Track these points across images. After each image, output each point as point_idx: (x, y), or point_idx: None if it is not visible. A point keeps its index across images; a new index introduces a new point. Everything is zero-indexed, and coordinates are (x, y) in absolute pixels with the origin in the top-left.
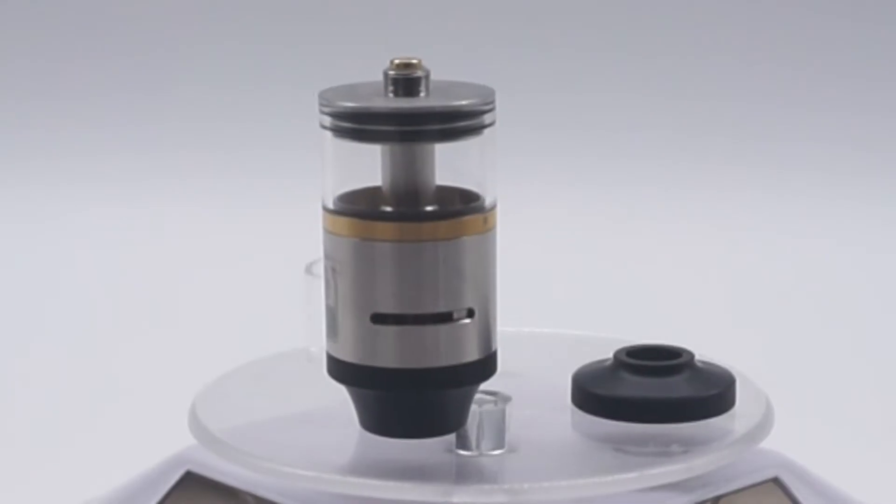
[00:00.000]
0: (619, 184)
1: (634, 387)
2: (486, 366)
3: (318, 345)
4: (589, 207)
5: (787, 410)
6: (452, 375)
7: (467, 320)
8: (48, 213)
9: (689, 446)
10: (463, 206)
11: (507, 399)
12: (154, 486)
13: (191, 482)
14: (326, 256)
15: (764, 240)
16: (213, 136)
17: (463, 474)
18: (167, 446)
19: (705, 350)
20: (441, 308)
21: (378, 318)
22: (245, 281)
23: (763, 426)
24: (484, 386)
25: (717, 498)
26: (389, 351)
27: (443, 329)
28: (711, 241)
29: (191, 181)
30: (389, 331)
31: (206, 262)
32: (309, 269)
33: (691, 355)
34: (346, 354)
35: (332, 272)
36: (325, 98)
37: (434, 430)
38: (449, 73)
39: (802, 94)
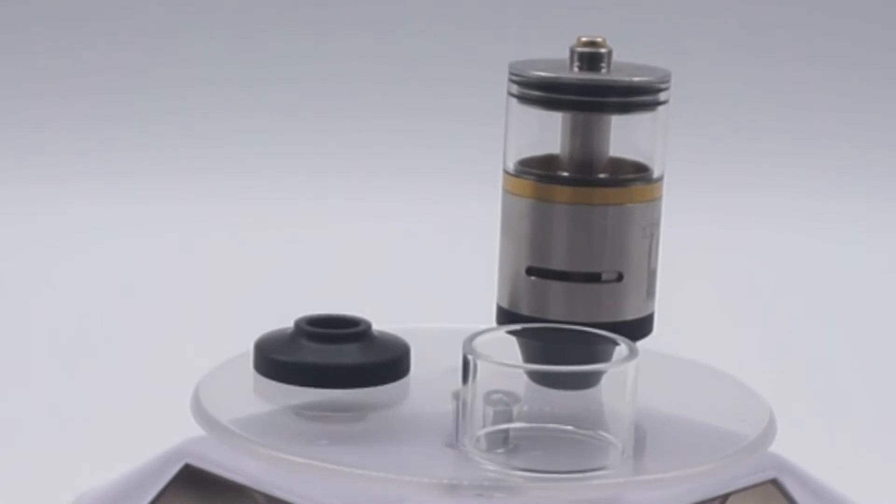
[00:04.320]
0: None
1: (312, 353)
2: (645, 325)
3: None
4: None
5: (785, 413)
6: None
7: (631, 281)
8: (47, 207)
9: (362, 412)
10: (632, 175)
11: (515, 398)
12: (153, 479)
13: (189, 475)
14: (504, 216)
15: (762, 242)
16: (206, 130)
17: (463, 468)
18: (165, 439)
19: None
20: (606, 268)
21: (546, 274)
22: (243, 274)
23: (766, 436)
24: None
25: (717, 499)
26: (557, 305)
27: (605, 288)
28: (711, 243)
29: (190, 175)
30: (559, 285)
31: (204, 253)
32: (467, 346)
33: (368, 324)
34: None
35: (508, 230)
36: (515, 68)
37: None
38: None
39: (801, 95)
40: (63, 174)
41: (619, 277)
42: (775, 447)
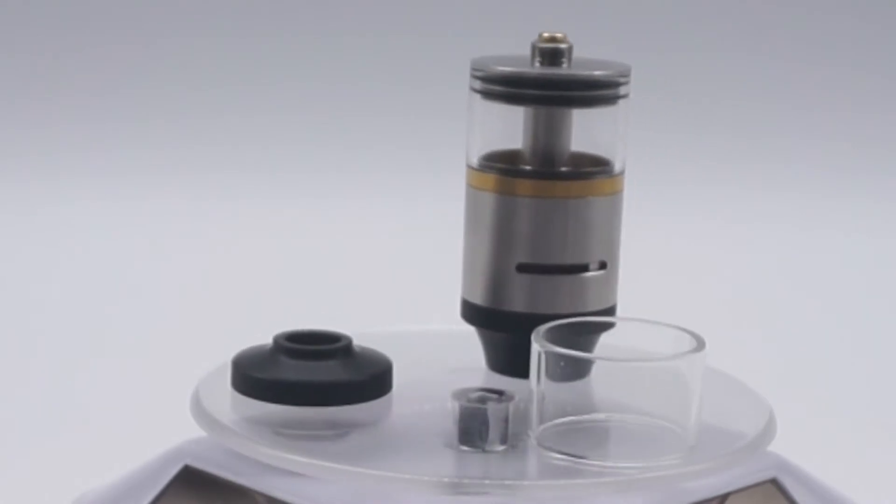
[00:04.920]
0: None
1: (291, 370)
2: (606, 316)
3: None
4: None
5: (785, 412)
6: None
7: (592, 273)
8: (47, 207)
9: (344, 429)
10: (594, 168)
11: (511, 397)
12: (152, 480)
13: (189, 476)
14: (468, 210)
15: (761, 242)
16: (206, 130)
17: (464, 467)
18: (165, 440)
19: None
20: (568, 260)
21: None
22: (244, 274)
23: (765, 435)
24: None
25: (716, 499)
26: (520, 297)
27: (568, 279)
28: (709, 243)
29: (189, 175)
30: (523, 278)
31: (205, 254)
32: (538, 336)
33: (349, 340)
34: (479, 299)
35: (472, 224)
36: (477, 64)
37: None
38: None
39: (800, 95)
40: (63, 174)
41: (584, 269)
42: (775, 447)
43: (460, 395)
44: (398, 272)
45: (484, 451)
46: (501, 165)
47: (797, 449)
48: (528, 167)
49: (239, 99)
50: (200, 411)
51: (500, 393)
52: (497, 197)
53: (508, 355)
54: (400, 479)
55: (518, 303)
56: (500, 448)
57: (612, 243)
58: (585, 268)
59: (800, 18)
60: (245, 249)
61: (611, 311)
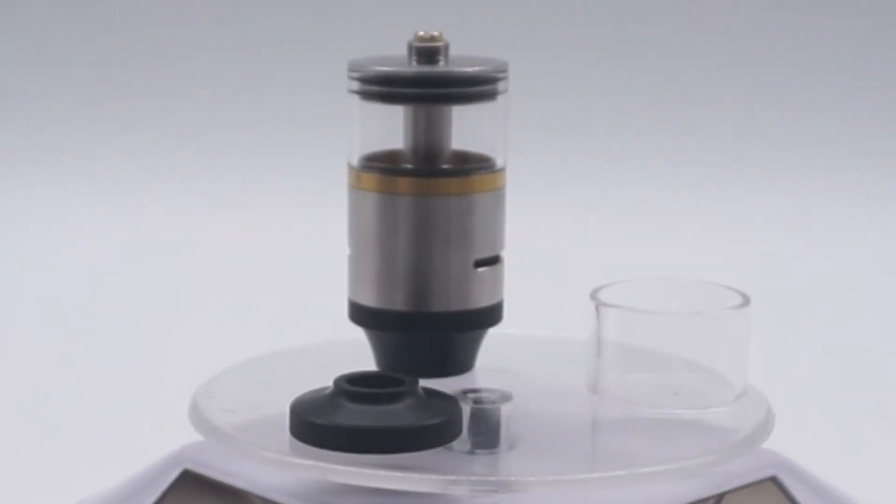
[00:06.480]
0: (616, 183)
1: (354, 415)
2: (492, 313)
3: (604, 376)
4: (585, 206)
5: (784, 410)
6: (460, 320)
7: (476, 271)
8: (47, 208)
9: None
10: (475, 166)
11: (507, 397)
12: (152, 485)
13: (188, 480)
14: (351, 212)
15: (760, 239)
16: (209, 134)
17: (460, 467)
18: (165, 445)
19: None
20: (451, 258)
21: (395, 266)
22: (243, 278)
23: (762, 430)
24: (485, 383)
25: (715, 497)
26: (404, 296)
27: (453, 277)
28: (708, 241)
29: (186, 180)
30: (406, 277)
31: (204, 259)
32: (594, 296)
33: (415, 382)
34: (367, 299)
35: (355, 224)
36: (354, 64)
37: (442, 371)
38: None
39: (798, 95)
40: (62, 174)
41: (475, 265)
42: (775, 445)
43: (461, 397)
44: None
45: (492, 451)
46: (382, 165)
47: (796, 447)
48: (409, 166)
49: (240, 100)
50: (198, 417)
51: (494, 392)
52: (378, 196)
53: (400, 355)
54: (399, 478)
55: (405, 302)
56: (493, 449)
57: (497, 239)
58: (471, 264)
59: (795, 20)
60: (247, 254)
61: (498, 306)
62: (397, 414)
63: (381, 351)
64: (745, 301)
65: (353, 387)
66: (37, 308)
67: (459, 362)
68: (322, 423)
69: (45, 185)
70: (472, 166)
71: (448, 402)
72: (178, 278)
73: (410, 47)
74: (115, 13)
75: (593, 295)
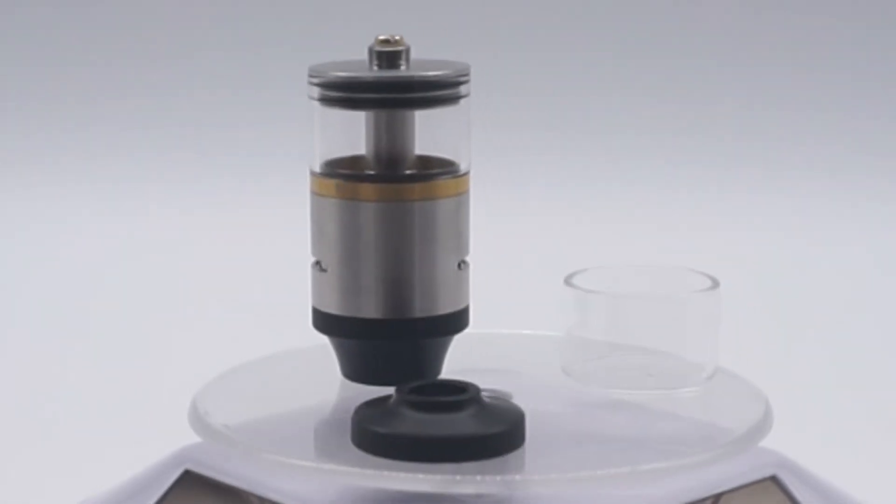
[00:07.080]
0: (616, 183)
1: (418, 424)
2: (459, 319)
3: (577, 360)
4: (585, 206)
5: (784, 409)
6: (428, 326)
7: (443, 276)
8: (46, 208)
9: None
10: (439, 170)
11: (507, 396)
12: (153, 485)
13: (189, 481)
14: (313, 218)
15: (760, 239)
16: (205, 135)
17: (462, 467)
18: (166, 445)
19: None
20: (417, 263)
21: (360, 272)
22: (244, 279)
23: (761, 427)
24: (485, 383)
25: (716, 496)
26: (370, 303)
27: (418, 283)
28: (707, 240)
29: (186, 180)
30: (371, 284)
31: (204, 260)
32: (568, 281)
33: (477, 390)
34: (332, 307)
35: (318, 232)
36: (314, 70)
37: (410, 377)
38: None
39: (798, 95)
40: (62, 174)
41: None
42: (776, 444)
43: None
44: None
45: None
46: (344, 171)
47: (797, 446)
48: (371, 171)
49: (240, 101)
50: (198, 419)
51: (494, 391)
52: (341, 203)
53: (366, 362)
54: (399, 478)
55: (371, 309)
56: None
57: (462, 244)
58: (436, 270)
59: (795, 19)
60: (247, 256)
61: (465, 311)
62: (461, 423)
63: (345, 358)
64: (715, 284)
65: (414, 396)
66: (37, 308)
67: (427, 369)
68: (384, 431)
69: (45, 185)
70: (436, 171)
71: (511, 410)
72: (178, 278)
73: (371, 51)
74: (115, 13)
75: (567, 280)
